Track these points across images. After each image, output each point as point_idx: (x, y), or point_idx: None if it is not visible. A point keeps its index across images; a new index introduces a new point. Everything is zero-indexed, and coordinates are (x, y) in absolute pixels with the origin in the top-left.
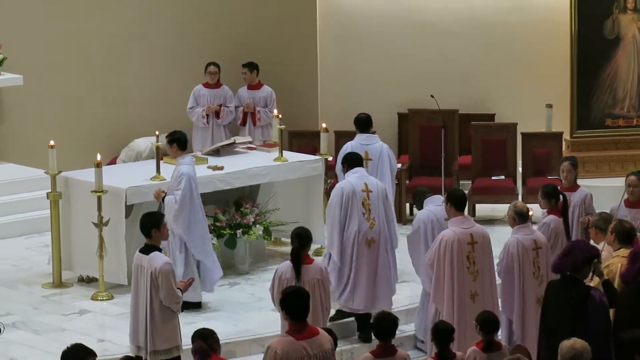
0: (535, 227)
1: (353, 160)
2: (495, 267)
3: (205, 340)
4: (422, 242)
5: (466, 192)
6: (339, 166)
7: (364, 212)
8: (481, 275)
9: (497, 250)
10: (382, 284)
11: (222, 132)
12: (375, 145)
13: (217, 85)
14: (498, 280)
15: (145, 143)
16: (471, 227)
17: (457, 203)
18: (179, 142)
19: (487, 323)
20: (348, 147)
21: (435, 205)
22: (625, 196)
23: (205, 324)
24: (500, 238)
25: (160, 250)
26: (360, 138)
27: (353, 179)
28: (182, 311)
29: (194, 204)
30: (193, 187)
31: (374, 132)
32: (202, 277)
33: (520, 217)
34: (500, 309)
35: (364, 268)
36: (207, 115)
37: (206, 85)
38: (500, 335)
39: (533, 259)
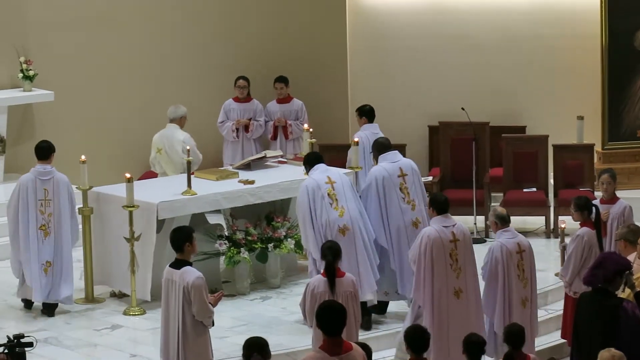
0: (567, 240)
1: (313, 160)
2: (480, 271)
3: (261, 351)
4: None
5: (497, 204)
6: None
7: (331, 202)
8: (464, 272)
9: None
10: (363, 270)
11: (252, 146)
12: (404, 160)
13: (247, 99)
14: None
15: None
16: (453, 225)
17: (440, 209)
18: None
19: (513, 336)
20: (381, 170)
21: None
22: None
23: (238, 339)
24: (534, 251)
25: (191, 264)
26: (386, 158)
27: (315, 174)
28: (213, 325)
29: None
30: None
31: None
32: None
33: (502, 221)
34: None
35: (344, 257)
36: (237, 129)
37: (236, 99)
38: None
39: (517, 262)
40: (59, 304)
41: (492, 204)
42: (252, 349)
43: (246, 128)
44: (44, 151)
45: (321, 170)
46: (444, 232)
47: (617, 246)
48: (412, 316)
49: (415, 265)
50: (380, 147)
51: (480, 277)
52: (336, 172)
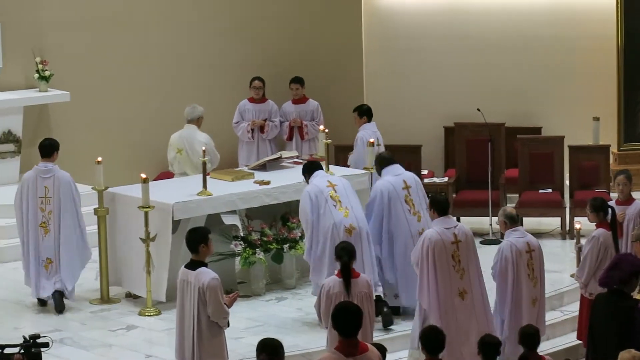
0: (583, 241)
1: (312, 167)
2: (490, 271)
3: (274, 352)
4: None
5: (513, 205)
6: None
7: (335, 204)
8: (468, 273)
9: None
10: (369, 269)
11: (268, 146)
12: (407, 173)
13: (262, 99)
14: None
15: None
16: (454, 227)
17: (440, 209)
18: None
19: (528, 337)
20: (386, 184)
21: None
22: None
23: (253, 339)
24: (549, 252)
25: (206, 265)
26: (391, 170)
27: (315, 180)
28: (228, 326)
29: None
30: None
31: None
32: None
33: (511, 221)
34: (492, 309)
35: None
36: (252, 130)
37: (251, 100)
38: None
39: (527, 261)
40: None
41: (508, 205)
42: (263, 350)
43: (261, 129)
44: (46, 149)
45: (321, 176)
46: (446, 234)
47: (633, 247)
48: (420, 319)
49: (418, 268)
50: (383, 161)
51: (490, 277)
52: (336, 177)
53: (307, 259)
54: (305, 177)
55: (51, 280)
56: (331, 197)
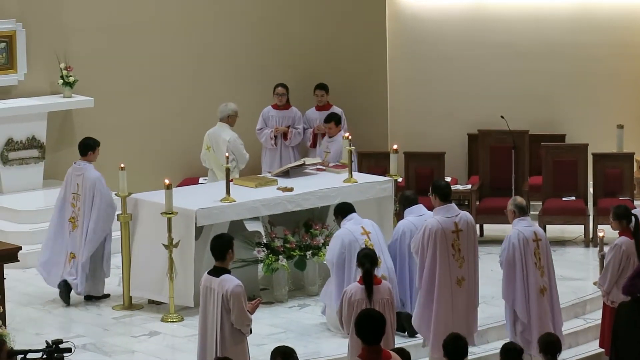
0: (606, 249)
1: (346, 210)
2: (498, 259)
3: (288, 357)
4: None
5: (536, 213)
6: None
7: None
8: (467, 261)
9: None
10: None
11: (291, 153)
12: (428, 213)
13: (286, 106)
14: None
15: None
16: (455, 216)
17: (442, 194)
18: None
19: (549, 346)
20: (405, 224)
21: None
22: None
23: (275, 346)
24: (573, 260)
25: (229, 272)
26: (413, 212)
27: (349, 225)
28: (251, 333)
29: None
30: None
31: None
32: None
33: (521, 210)
34: (504, 298)
35: None
36: (275, 137)
37: (275, 106)
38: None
39: (534, 249)
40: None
41: (531, 213)
42: (275, 356)
43: (285, 135)
44: (81, 147)
45: (355, 221)
46: (447, 223)
47: None
48: (420, 306)
49: (418, 256)
50: (406, 201)
51: (498, 265)
52: (369, 223)
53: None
54: (337, 219)
55: (66, 272)
56: (366, 245)
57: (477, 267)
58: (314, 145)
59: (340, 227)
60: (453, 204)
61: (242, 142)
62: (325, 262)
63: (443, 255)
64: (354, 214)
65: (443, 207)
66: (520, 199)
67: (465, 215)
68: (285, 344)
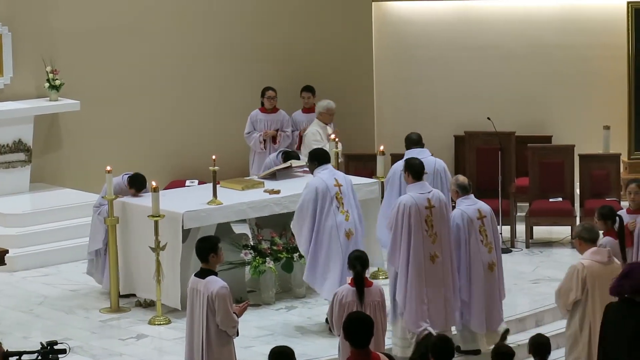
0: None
1: (322, 158)
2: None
3: None
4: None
5: (523, 214)
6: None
7: (339, 206)
8: (440, 238)
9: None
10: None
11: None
12: (429, 159)
13: (274, 109)
14: None
15: None
16: (428, 192)
17: (415, 172)
18: None
19: (540, 347)
20: (399, 166)
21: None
22: None
23: (263, 348)
24: (560, 261)
25: (216, 274)
26: (412, 154)
27: (324, 175)
28: (238, 335)
29: None
30: None
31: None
32: None
33: (463, 190)
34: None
35: (345, 261)
36: (265, 140)
37: (262, 109)
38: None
39: (479, 227)
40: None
41: (518, 214)
42: (278, 357)
43: (273, 139)
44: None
45: (330, 172)
46: (420, 199)
47: None
48: (391, 282)
49: (391, 232)
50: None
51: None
52: (342, 175)
53: (305, 253)
54: (311, 166)
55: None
56: (336, 198)
57: (451, 246)
58: (299, 147)
59: (312, 173)
60: (425, 182)
61: (319, 139)
62: (296, 213)
63: (417, 231)
64: (329, 165)
65: (416, 184)
66: (462, 178)
67: (438, 192)
68: (273, 346)
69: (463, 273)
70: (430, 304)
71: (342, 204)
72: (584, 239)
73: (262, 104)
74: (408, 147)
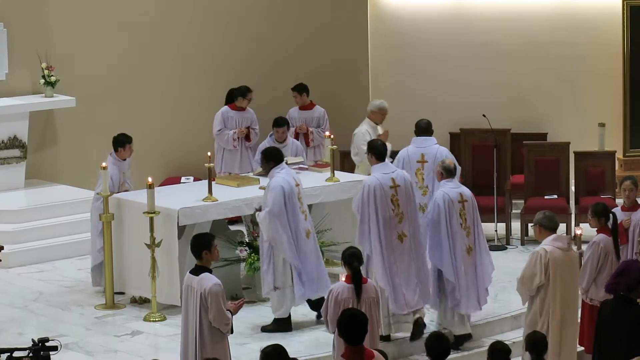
0: (584, 247)
1: (278, 157)
2: (425, 219)
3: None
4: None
5: (519, 211)
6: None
7: (300, 206)
8: (406, 216)
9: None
10: (324, 271)
11: (250, 153)
12: (432, 148)
13: (244, 107)
14: None
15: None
16: (392, 172)
17: (378, 153)
18: None
19: (536, 344)
20: (404, 152)
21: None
22: None
23: (258, 345)
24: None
25: (210, 271)
26: (416, 142)
27: (286, 175)
28: (232, 332)
29: None
30: None
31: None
32: None
33: (448, 173)
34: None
35: (312, 259)
36: (238, 138)
37: (233, 106)
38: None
39: (459, 210)
40: None
41: (513, 211)
42: (270, 358)
43: (247, 137)
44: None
45: (287, 171)
46: (384, 179)
47: None
48: (364, 266)
49: (359, 214)
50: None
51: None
52: (294, 173)
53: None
54: (266, 165)
55: None
56: (298, 198)
57: (418, 225)
58: (308, 143)
59: (268, 173)
60: (389, 162)
61: (368, 139)
62: (264, 213)
63: (384, 211)
64: (283, 164)
65: (380, 165)
66: (448, 161)
67: (402, 172)
68: (268, 343)
69: (446, 257)
70: (404, 284)
71: (302, 203)
72: (544, 226)
73: (234, 101)
74: (417, 134)
